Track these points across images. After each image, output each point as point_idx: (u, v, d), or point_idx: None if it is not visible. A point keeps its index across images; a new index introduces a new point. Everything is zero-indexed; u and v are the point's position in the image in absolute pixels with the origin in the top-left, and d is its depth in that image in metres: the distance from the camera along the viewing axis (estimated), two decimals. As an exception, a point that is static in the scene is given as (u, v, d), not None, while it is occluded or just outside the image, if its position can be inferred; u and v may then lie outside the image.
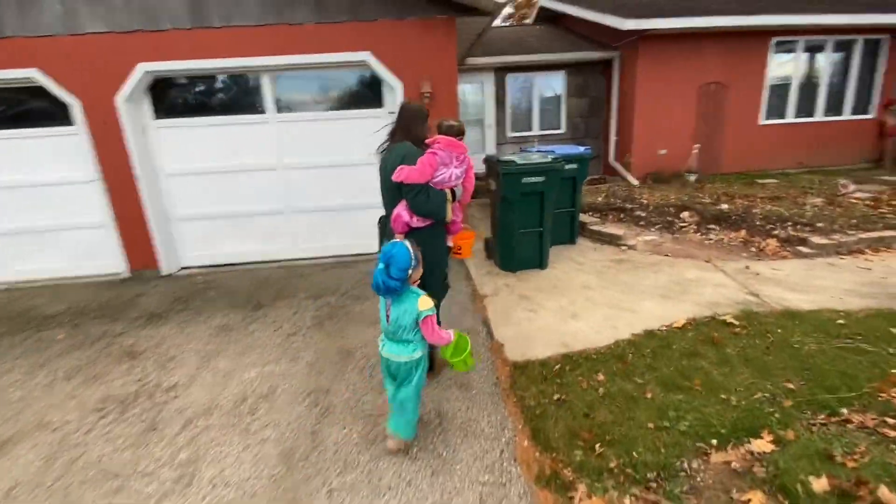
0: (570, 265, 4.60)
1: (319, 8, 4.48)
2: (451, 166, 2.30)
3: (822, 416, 2.18)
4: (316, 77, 4.93)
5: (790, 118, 8.18)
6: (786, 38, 7.73)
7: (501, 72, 8.62)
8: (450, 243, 2.61)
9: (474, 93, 8.75)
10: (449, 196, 2.38)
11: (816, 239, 4.58)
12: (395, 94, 4.78)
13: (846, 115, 8.29)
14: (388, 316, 1.97)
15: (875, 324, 3.01)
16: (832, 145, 8.35)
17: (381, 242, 2.50)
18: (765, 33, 7.66)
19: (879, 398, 2.27)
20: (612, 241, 5.16)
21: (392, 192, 2.32)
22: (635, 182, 7.84)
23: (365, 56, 4.62)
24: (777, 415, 2.20)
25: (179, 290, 4.58)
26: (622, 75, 8.15)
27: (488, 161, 4.62)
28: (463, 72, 8.32)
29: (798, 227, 4.99)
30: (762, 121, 8.07)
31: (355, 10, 4.53)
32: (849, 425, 2.12)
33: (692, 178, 7.65)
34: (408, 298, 1.93)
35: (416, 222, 2.30)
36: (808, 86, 8.17)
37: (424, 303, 1.92)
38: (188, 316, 3.91)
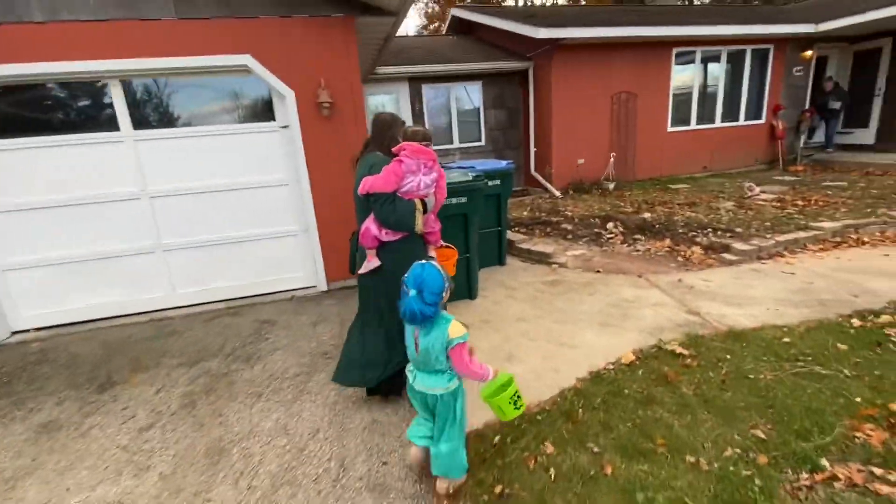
0: (501, 292, 4.13)
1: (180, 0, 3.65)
2: (419, 174, 2.16)
3: (805, 475, 1.83)
4: (190, 86, 4.04)
5: (694, 125, 8.58)
6: (685, 48, 8.11)
7: (417, 82, 8.16)
8: (432, 254, 2.47)
9: (391, 104, 8.19)
10: (419, 206, 2.20)
11: (738, 245, 4.55)
12: (286, 104, 4.05)
13: (742, 121, 8.89)
14: (416, 345, 1.78)
15: (819, 339, 2.83)
16: (731, 149, 8.90)
17: (354, 260, 2.43)
18: (667, 44, 7.97)
19: (856, 439, 1.98)
20: (543, 259, 4.81)
21: (363, 205, 2.24)
22: (557, 193, 7.71)
23: (245, 60, 3.84)
24: (757, 480, 1.82)
25: (2, 366, 3.42)
26: (538, 86, 8.06)
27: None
28: (375, 81, 7.74)
29: (718, 233, 4.98)
30: (670, 128, 8.38)
31: (228, 4, 3.75)
32: (836, 483, 1.78)
33: (611, 186, 7.68)
34: (438, 325, 1.73)
35: (386, 235, 2.20)
36: (708, 94, 8.65)
37: (456, 329, 1.71)
38: (2, 409, 2.84)
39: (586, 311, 3.55)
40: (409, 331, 1.81)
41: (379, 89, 8.01)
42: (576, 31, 6.94)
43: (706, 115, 8.66)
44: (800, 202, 5.84)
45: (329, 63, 4.06)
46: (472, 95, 8.52)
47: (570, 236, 5.52)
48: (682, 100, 8.47)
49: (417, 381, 1.82)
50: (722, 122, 8.74)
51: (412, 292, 1.65)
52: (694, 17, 8.74)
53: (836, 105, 8.63)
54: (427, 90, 8.24)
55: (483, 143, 8.69)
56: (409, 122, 8.20)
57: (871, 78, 8.79)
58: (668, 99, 8.27)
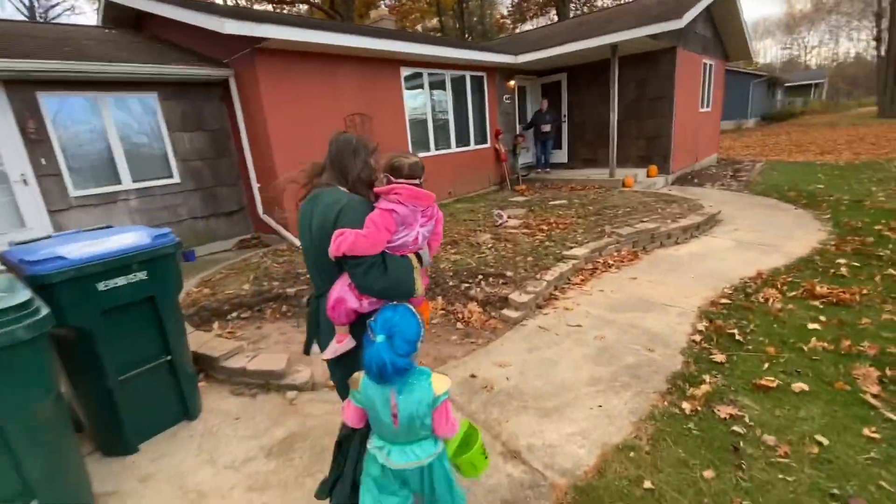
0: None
1: None
2: (415, 226, 1.53)
3: None
4: None
5: (433, 150, 8.17)
6: (413, 69, 7.54)
7: (27, 87, 4.88)
8: None
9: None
10: (415, 262, 1.55)
11: (516, 296, 3.75)
12: None
13: (473, 146, 9.05)
14: (394, 414, 1.38)
15: (671, 459, 1.95)
16: (468, 173, 8.96)
17: (313, 336, 1.73)
18: (394, 62, 7.20)
19: None
20: (269, 382, 2.88)
21: (323, 261, 1.52)
22: (297, 242, 5.86)
23: None
24: None
25: None
26: (246, 103, 6.02)
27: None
28: None
29: (490, 279, 4.14)
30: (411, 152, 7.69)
31: None
32: None
33: (363, 224, 6.36)
34: (418, 382, 1.40)
35: (368, 306, 1.52)
36: (440, 120, 8.41)
37: (440, 383, 1.41)
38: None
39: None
40: (379, 396, 1.39)
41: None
42: (274, 29, 5.25)
43: (442, 140, 8.41)
44: (543, 226, 5.77)
45: None
46: (145, 112, 5.75)
47: (314, 316, 3.78)
48: (419, 125, 7.94)
49: (393, 457, 1.42)
50: (457, 146, 8.67)
51: (379, 338, 1.34)
52: (417, 38, 8.37)
53: (548, 127, 9.75)
54: (50, 101, 5.04)
55: (176, 178, 6.02)
56: (15, 149, 4.84)
57: (557, 107, 10.35)
58: (405, 123, 7.56)
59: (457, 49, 7.71)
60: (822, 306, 3.35)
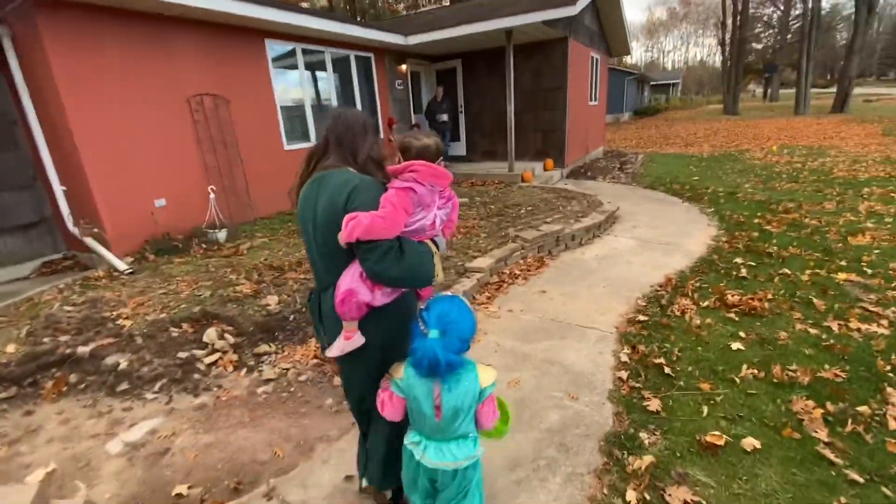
0: None
1: None
2: (433, 207, 1.39)
3: None
4: None
5: (314, 141, 6.99)
6: (282, 43, 6.27)
7: None
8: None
9: None
10: (432, 248, 1.43)
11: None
12: None
13: (361, 136, 8.01)
14: (438, 407, 1.29)
15: None
16: (360, 167, 7.94)
17: (325, 334, 1.49)
18: (257, 32, 5.88)
19: None
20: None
21: (329, 252, 1.38)
22: (122, 265, 4.40)
23: None
24: None
25: None
26: (31, 74, 4.32)
27: None
28: None
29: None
30: (287, 145, 6.47)
31: None
32: None
33: (220, 236, 5.06)
34: (465, 373, 1.32)
35: (381, 297, 1.36)
36: (323, 106, 7.24)
37: (487, 375, 1.35)
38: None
39: None
40: (422, 390, 1.31)
41: None
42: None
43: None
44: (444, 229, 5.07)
45: None
46: None
47: (122, 390, 2.60)
48: (295, 112, 6.71)
49: (430, 454, 1.33)
50: (344, 136, 7.57)
51: (433, 333, 1.25)
52: (288, 7, 7.03)
53: (445, 117, 9.06)
54: None
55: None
56: None
57: (454, 96, 9.73)
58: (276, 109, 6.29)
59: (337, 23, 6.60)
60: (736, 318, 3.11)
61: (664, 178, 8.62)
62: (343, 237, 1.27)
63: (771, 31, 36.01)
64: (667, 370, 2.56)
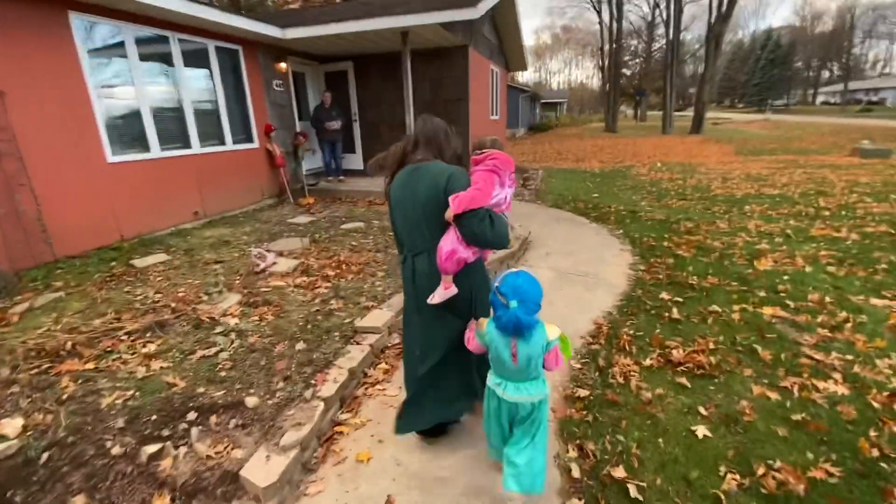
0: None
1: None
2: (505, 187, 1.90)
3: None
4: None
5: (158, 152, 5.42)
6: (95, 19, 4.67)
7: None
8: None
9: None
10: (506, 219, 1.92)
11: (256, 466, 1.89)
12: None
13: (231, 145, 6.56)
14: (514, 356, 1.65)
15: None
16: (227, 183, 6.46)
17: (415, 292, 1.92)
18: (53, 2, 4.24)
19: None
20: None
21: (430, 224, 1.82)
22: None
23: None
24: None
25: None
26: None
27: None
28: None
29: (212, 419, 2.16)
30: (111, 157, 4.84)
31: None
32: None
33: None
34: (536, 329, 1.64)
35: (472, 256, 1.83)
36: (170, 107, 5.67)
37: (552, 330, 1.69)
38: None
39: None
40: (503, 343, 1.66)
41: None
42: None
43: (174, 136, 5.70)
44: (329, 271, 4.00)
45: None
46: None
47: None
48: (123, 111, 5.09)
49: (509, 392, 1.71)
50: (203, 146, 6.07)
51: (513, 304, 1.57)
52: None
53: (337, 125, 7.89)
54: None
55: None
56: None
57: (346, 102, 8.64)
58: (92, 108, 4.65)
59: (183, 1, 5.14)
60: (687, 382, 2.56)
61: (566, 195, 8.47)
62: (451, 212, 1.68)
63: (638, 59, 40.74)
64: (631, 489, 1.84)
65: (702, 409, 2.33)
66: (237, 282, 3.75)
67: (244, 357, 2.58)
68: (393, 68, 7.74)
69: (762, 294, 3.71)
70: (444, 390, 2.01)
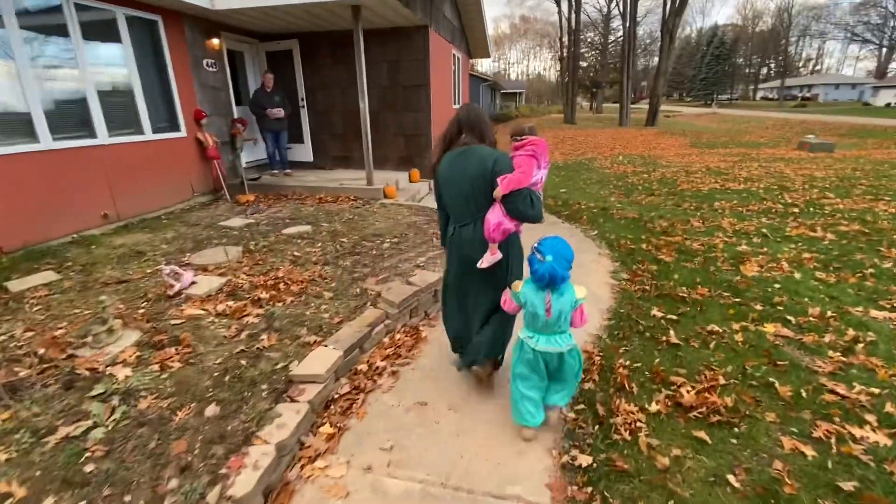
0: None
1: None
2: (541, 169, 2.14)
3: None
4: None
5: (51, 143, 4.41)
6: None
7: None
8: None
9: None
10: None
11: None
12: None
13: (151, 134, 5.56)
14: (548, 309, 1.90)
15: None
16: (146, 179, 5.48)
17: (460, 257, 2.29)
18: None
19: None
20: None
21: (476, 198, 2.15)
22: None
23: None
24: None
25: None
26: None
27: None
28: None
29: None
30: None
31: None
32: None
33: None
34: (567, 288, 1.92)
35: (514, 227, 2.17)
36: (68, 89, 4.64)
37: (580, 290, 1.95)
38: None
39: None
40: (539, 297, 1.91)
41: None
42: None
43: (73, 123, 4.68)
44: (263, 292, 3.27)
45: None
46: None
47: None
48: (3, 94, 4.07)
49: (542, 343, 1.96)
50: (112, 135, 5.06)
51: (549, 258, 1.82)
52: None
53: (281, 112, 6.97)
54: None
55: None
56: None
57: (292, 86, 7.71)
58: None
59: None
60: (707, 437, 2.09)
61: (535, 190, 8.01)
62: (500, 192, 2.01)
63: (594, 52, 41.19)
64: None
65: (731, 478, 1.86)
66: (141, 311, 2.95)
67: (127, 435, 1.86)
68: (344, 48, 6.92)
69: (759, 308, 3.35)
70: (485, 337, 2.36)
